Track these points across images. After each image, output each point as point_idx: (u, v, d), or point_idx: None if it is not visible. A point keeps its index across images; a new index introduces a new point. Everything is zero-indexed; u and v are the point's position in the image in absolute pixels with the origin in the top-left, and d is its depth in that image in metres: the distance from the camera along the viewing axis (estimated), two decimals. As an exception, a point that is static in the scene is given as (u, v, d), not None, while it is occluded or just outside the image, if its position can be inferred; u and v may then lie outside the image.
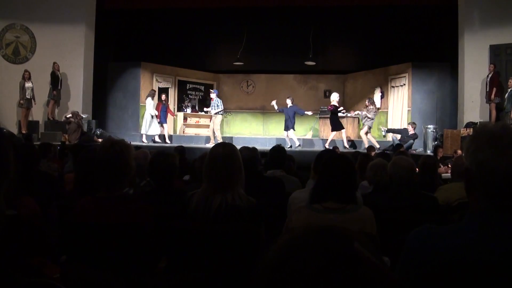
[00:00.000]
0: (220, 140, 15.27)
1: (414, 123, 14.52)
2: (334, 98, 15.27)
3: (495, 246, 1.35)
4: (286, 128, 15.24)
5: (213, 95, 15.74)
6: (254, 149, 4.91)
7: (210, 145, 14.82)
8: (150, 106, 15.73)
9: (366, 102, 15.30)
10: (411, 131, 14.29)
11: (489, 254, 1.34)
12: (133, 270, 2.54)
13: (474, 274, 1.34)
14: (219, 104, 15.55)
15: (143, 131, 15.91)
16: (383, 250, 2.67)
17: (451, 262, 1.37)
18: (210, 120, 16.14)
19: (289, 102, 15.36)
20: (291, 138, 15.16)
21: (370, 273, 0.70)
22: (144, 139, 15.68)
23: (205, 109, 17.48)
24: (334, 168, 2.94)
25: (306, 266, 0.70)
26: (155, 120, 15.86)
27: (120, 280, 2.00)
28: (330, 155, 3.21)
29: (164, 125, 16.28)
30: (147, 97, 16.01)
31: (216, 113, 15.47)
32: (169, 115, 16.94)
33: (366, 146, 14.07)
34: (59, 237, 2.99)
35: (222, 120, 16.14)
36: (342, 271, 0.69)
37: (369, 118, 14.84)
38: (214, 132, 15.57)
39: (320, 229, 0.77)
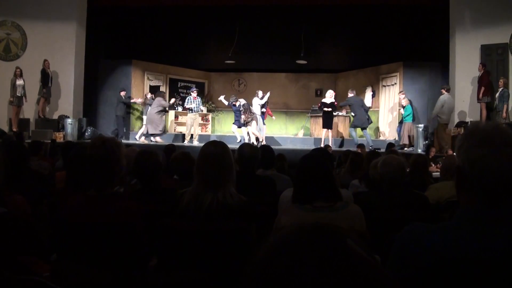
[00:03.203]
0: (187, 139, 15.63)
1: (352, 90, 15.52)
2: (327, 95, 15.45)
3: (486, 243, 1.36)
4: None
5: (194, 94, 16.07)
6: (256, 148, 4.94)
7: (196, 144, 15.00)
8: (257, 107, 15.55)
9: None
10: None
11: (480, 252, 1.35)
12: (124, 269, 2.53)
13: (465, 271, 1.35)
14: (188, 102, 15.87)
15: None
16: (373, 248, 2.68)
17: (441, 259, 1.38)
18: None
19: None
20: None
21: (364, 270, 0.70)
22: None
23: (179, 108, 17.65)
24: (306, 170, 2.98)
25: (299, 264, 0.70)
26: (261, 121, 15.65)
27: (111, 278, 1.99)
28: (302, 157, 3.21)
29: (263, 126, 16.02)
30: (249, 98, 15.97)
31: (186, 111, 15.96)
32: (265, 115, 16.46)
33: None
34: (50, 235, 2.98)
35: (195, 119, 16.08)
36: (335, 268, 0.69)
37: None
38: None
39: (312, 226, 0.77)
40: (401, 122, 15.16)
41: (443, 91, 13.88)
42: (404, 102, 15.06)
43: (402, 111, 15.07)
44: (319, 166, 2.98)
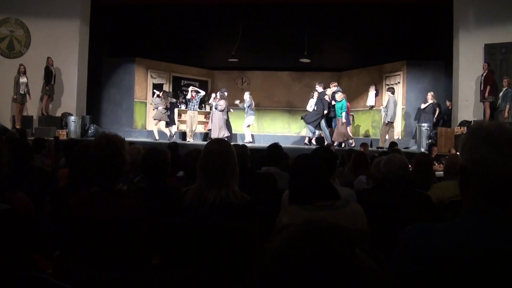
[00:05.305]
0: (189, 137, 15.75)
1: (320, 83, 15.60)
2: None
3: (490, 243, 1.36)
4: None
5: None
6: (244, 146, 4.99)
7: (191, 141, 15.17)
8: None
9: (217, 95, 15.83)
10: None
11: (483, 251, 1.35)
12: (126, 266, 2.54)
13: (468, 270, 1.35)
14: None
15: (322, 133, 15.49)
16: (376, 247, 2.67)
17: (445, 259, 1.38)
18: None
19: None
20: None
21: (370, 281, 0.70)
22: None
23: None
24: (299, 171, 3.01)
25: (307, 271, 0.70)
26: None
27: (113, 275, 1.99)
28: (294, 159, 3.22)
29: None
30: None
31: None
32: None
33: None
34: (52, 232, 2.98)
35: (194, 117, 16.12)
36: (342, 279, 0.69)
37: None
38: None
39: (322, 229, 0.77)
40: (329, 118, 15.13)
41: (389, 93, 14.78)
42: (339, 97, 14.79)
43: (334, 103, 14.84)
44: (311, 165, 2.99)
